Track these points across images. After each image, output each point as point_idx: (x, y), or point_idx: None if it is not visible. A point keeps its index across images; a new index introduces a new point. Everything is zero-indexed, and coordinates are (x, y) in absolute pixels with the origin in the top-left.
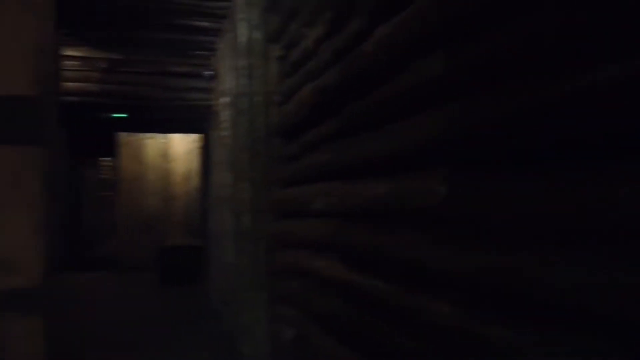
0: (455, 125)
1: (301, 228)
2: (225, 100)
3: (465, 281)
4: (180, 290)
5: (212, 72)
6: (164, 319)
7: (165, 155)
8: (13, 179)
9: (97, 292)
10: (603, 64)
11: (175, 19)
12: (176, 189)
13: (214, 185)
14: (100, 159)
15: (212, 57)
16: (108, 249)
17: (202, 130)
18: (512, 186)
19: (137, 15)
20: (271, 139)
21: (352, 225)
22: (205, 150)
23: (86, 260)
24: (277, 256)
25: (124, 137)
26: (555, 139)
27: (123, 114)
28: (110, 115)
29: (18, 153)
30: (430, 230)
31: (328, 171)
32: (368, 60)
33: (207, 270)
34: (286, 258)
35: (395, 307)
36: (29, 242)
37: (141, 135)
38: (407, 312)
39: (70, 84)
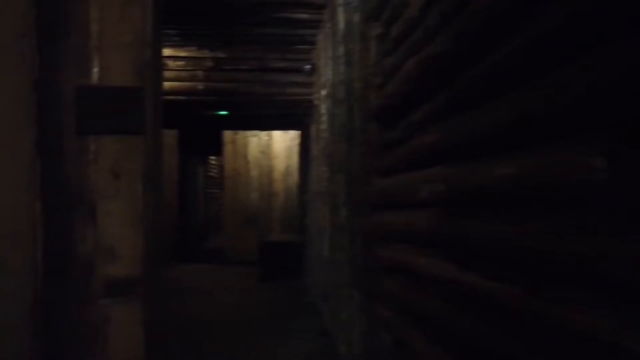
0: (617, 75)
1: (402, 220)
2: (323, 92)
3: (628, 287)
4: (280, 285)
5: (311, 66)
6: (263, 313)
7: (267, 152)
8: (114, 168)
9: (201, 283)
10: None
11: (275, 12)
12: (277, 185)
13: (311, 181)
14: (209, 157)
15: (311, 51)
16: (215, 243)
17: (302, 126)
18: None
19: (238, 11)
20: (369, 126)
21: (464, 215)
22: (304, 146)
23: (195, 253)
24: (374, 252)
25: (228, 135)
26: None
27: (226, 111)
28: (215, 113)
29: (119, 143)
30: (576, 218)
31: (434, 154)
32: (487, 14)
33: (306, 265)
34: (384, 253)
35: (521, 315)
36: (129, 231)
37: (244, 133)
38: (539, 321)
39: (177, 84)
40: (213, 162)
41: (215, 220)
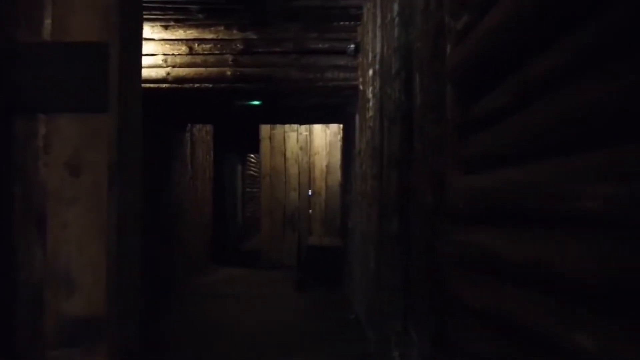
0: None
1: (522, 247)
2: (370, 72)
3: None
4: (319, 295)
5: (355, 45)
6: (298, 328)
7: (306, 149)
8: (72, 162)
9: (234, 290)
10: None
11: None
12: (317, 183)
13: (355, 179)
14: (248, 155)
15: (356, 27)
16: (253, 245)
17: (344, 117)
18: None
19: None
20: (441, 100)
21: None
22: (347, 141)
23: (233, 256)
24: (451, 287)
25: (265, 130)
26: None
27: (258, 101)
28: (246, 102)
29: (78, 125)
30: None
31: (601, 128)
32: None
33: (348, 273)
34: (471, 294)
35: None
36: (91, 250)
37: (283, 128)
38: None
39: (203, 70)
40: (252, 160)
41: (253, 221)
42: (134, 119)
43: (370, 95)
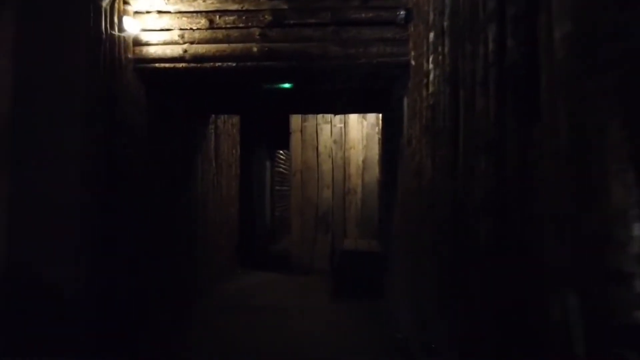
0: None
1: None
2: (432, 37)
3: None
4: (357, 307)
5: (407, 11)
6: (334, 350)
7: (341, 142)
8: None
9: (261, 299)
10: None
11: None
12: (353, 181)
13: (403, 174)
14: (277, 151)
15: None
16: (283, 247)
17: (387, 105)
18: None
19: None
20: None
21: None
22: (389, 132)
23: (261, 259)
24: None
25: (296, 122)
26: None
27: (289, 83)
28: (275, 85)
29: None
30: None
31: None
32: None
33: (390, 283)
34: None
35: None
36: None
37: (315, 119)
38: None
39: (226, 46)
40: (281, 156)
41: (283, 221)
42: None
43: (430, 67)
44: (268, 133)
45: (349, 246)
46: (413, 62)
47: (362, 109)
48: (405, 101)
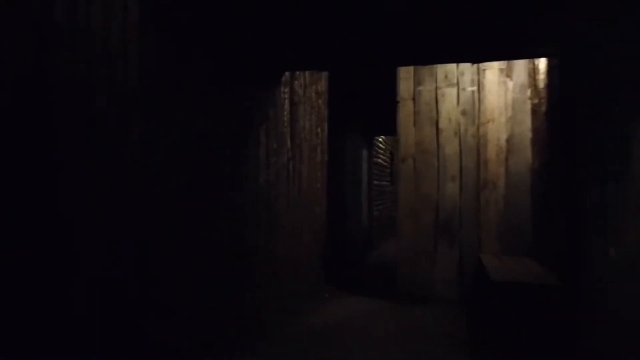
0: None
1: None
2: None
3: None
4: None
5: None
6: None
7: (472, 113)
8: None
9: (349, 351)
10: None
11: None
12: (491, 169)
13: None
14: (375, 137)
15: None
16: (384, 259)
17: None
18: None
19: None
20: None
21: None
22: (559, 86)
23: (354, 273)
24: None
25: (406, 87)
26: None
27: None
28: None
29: None
30: None
31: None
32: None
33: (596, 342)
34: None
35: None
36: None
37: (434, 81)
38: None
39: None
40: (380, 144)
41: (382, 223)
42: None
43: None
44: (364, 113)
45: (500, 274)
46: None
47: (520, 53)
48: None
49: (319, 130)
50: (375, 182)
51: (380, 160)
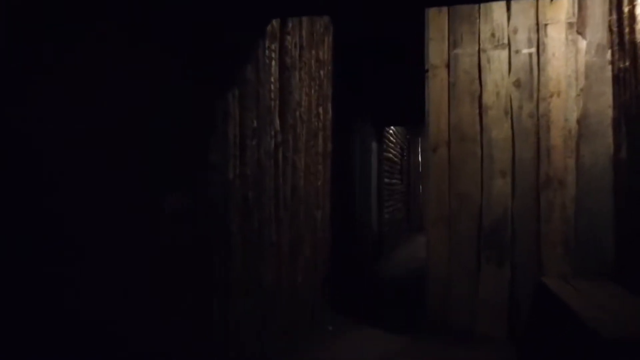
0: None
1: None
2: None
3: None
4: None
5: None
6: None
7: (529, 85)
8: None
9: None
10: None
11: None
12: (555, 161)
13: None
14: (385, 128)
15: None
16: (395, 268)
17: None
18: None
19: None
20: None
21: None
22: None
23: (363, 290)
24: None
25: (437, 50)
26: None
27: None
28: None
29: None
30: None
31: None
32: None
33: None
34: None
35: None
36: None
37: (475, 43)
38: None
39: None
40: (390, 137)
41: (393, 227)
42: None
43: None
44: (373, 98)
45: (602, 320)
46: None
47: None
48: None
49: (321, 110)
50: (386, 180)
51: (390, 155)
